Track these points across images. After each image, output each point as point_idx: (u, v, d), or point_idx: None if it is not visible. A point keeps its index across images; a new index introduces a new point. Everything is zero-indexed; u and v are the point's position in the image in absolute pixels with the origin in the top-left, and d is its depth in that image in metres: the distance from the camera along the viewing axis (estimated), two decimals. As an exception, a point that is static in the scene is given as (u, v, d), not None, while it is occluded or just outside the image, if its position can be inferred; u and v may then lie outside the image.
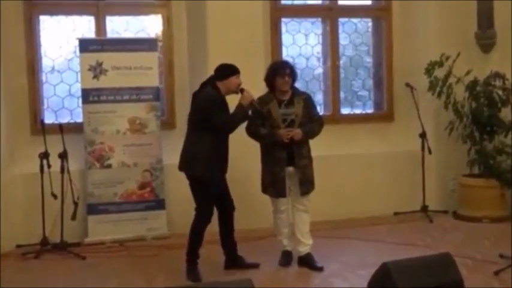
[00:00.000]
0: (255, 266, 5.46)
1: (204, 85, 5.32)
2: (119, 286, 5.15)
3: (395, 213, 7.38)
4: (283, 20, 7.56)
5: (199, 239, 5.23)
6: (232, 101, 5.31)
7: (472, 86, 7.18)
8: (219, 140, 5.21)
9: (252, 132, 5.46)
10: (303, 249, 5.51)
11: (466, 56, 7.22)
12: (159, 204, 6.70)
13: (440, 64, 7.16)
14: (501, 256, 5.49)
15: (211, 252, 5.54)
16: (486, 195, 7.08)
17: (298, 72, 7.31)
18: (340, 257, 5.73)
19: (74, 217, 5.87)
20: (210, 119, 5.10)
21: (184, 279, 5.14)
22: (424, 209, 7.26)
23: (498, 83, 7.15)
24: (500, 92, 7.08)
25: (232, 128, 5.23)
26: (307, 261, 5.48)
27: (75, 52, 6.88)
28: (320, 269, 5.38)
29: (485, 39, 7.54)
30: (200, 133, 5.18)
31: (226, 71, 5.28)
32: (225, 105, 5.28)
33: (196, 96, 5.31)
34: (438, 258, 4.42)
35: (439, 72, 7.18)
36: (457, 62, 7.11)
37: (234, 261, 5.49)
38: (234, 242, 5.50)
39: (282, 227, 5.58)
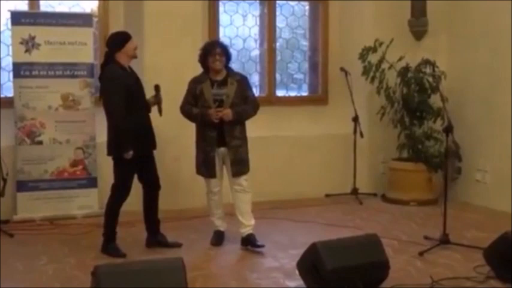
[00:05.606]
0: (177, 245, 5.47)
1: (105, 64, 5.25)
2: (48, 263, 5.08)
3: (327, 195, 7.51)
4: (221, 0, 7.54)
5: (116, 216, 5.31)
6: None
7: (403, 72, 7.33)
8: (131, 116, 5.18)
9: (185, 111, 5.48)
10: (244, 231, 5.49)
11: (399, 43, 7.35)
12: (91, 182, 6.64)
13: (374, 50, 7.27)
14: (426, 238, 5.68)
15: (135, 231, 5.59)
16: (414, 179, 7.26)
17: (235, 53, 7.39)
18: (272, 237, 5.79)
19: (2, 193, 5.78)
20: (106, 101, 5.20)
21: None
22: (355, 191, 7.41)
23: (428, 70, 7.31)
24: (430, 79, 7.24)
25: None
26: (249, 241, 5.48)
27: (6, 25, 6.68)
28: (261, 247, 5.41)
29: (418, 27, 7.69)
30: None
31: (121, 39, 5.24)
32: (129, 83, 5.18)
33: (100, 78, 5.28)
34: (365, 238, 4.57)
35: (373, 58, 7.30)
36: (390, 48, 7.23)
37: (155, 238, 5.50)
38: (157, 220, 5.51)
39: (214, 208, 5.61)
